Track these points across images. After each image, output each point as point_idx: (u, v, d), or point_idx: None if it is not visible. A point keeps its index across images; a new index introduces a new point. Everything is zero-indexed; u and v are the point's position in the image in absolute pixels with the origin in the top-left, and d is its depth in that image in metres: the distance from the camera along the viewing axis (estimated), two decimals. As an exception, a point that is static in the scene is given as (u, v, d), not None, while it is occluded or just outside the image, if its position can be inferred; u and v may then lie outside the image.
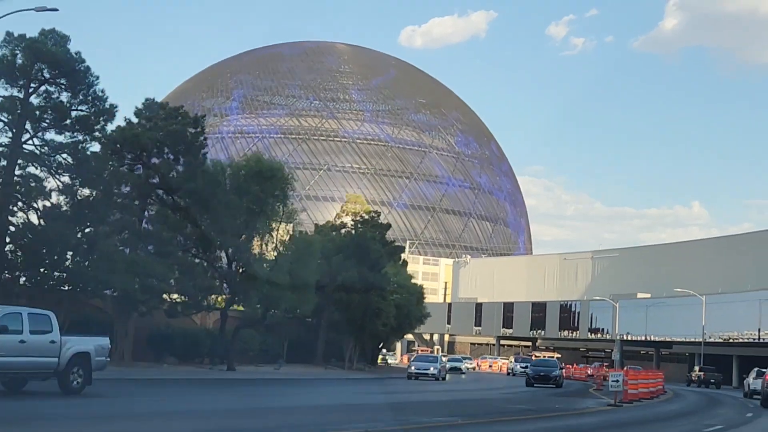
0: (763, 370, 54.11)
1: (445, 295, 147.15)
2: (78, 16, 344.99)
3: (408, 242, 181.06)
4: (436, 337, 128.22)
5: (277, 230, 59.50)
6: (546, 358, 76.45)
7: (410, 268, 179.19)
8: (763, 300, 74.89)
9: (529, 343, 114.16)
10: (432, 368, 52.77)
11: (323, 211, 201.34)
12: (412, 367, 54.53)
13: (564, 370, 63.70)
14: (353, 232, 74.62)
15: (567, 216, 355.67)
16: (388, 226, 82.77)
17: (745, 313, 76.25)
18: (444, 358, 71.17)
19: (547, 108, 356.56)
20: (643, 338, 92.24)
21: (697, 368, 78.22)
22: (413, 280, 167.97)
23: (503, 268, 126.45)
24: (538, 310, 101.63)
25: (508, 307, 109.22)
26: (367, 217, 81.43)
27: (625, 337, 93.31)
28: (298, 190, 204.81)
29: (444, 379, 55.15)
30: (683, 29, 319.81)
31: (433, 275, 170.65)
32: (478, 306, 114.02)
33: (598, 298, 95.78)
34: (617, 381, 40.23)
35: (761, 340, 76.48)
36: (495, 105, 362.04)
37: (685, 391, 64.92)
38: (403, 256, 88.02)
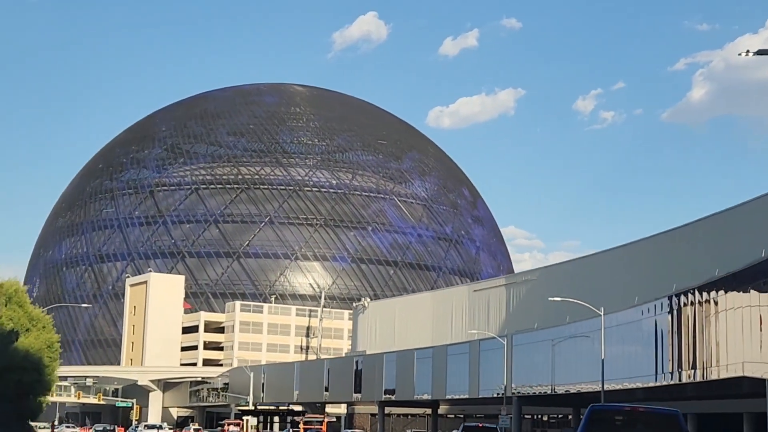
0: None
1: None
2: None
3: (323, 293, 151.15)
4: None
5: None
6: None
7: (332, 325, 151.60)
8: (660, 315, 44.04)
9: (429, 409, 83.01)
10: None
11: (266, 270, 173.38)
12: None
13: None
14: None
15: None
16: None
17: (643, 340, 45.34)
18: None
19: (578, 182, 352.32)
20: (549, 390, 61.01)
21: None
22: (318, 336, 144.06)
23: (406, 309, 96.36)
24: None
25: (393, 361, 78.79)
26: None
27: (520, 391, 62.45)
28: (235, 248, 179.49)
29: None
30: (711, 99, 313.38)
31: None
32: (358, 360, 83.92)
33: (457, 341, 65.30)
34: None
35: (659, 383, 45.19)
36: (525, 181, 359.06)
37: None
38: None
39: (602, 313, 48.50)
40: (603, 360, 48.46)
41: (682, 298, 43.23)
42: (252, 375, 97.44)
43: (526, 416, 71.58)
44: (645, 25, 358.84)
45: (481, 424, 49.95)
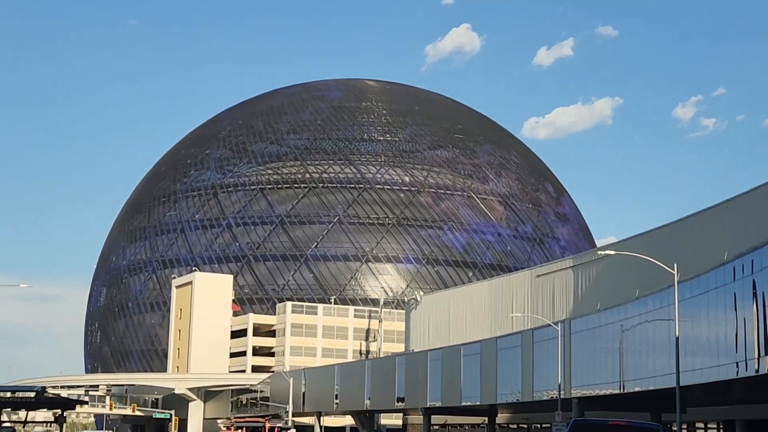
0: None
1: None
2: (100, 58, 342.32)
3: (382, 291, 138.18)
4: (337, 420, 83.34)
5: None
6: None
7: (395, 327, 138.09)
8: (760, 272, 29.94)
9: (485, 419, 69.22)
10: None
11: (335, 273, 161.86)
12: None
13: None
14: None
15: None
16: None
17: (737, 311, 31.27)
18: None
19: (679, 191, 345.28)
20: (617, 389, 46.95)
21: None
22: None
23: (461, 301, 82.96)
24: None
25: (438, 359, 65.44)
26: None
27: (582, 392, 48.54)
28: (302, 250, 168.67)
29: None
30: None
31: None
32: (400, 360, 70.86)
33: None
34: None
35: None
36: (624, 192, 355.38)
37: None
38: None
39: (675, 272, 34.61)
40: (677, 338, 34.47)
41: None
42: (291, 381, 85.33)
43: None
44: (745, 29, 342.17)
45: None
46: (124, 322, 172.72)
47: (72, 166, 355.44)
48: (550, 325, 52.19)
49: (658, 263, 37.46)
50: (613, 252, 42.91)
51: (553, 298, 68.20)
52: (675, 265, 36.34)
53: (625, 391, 46.86)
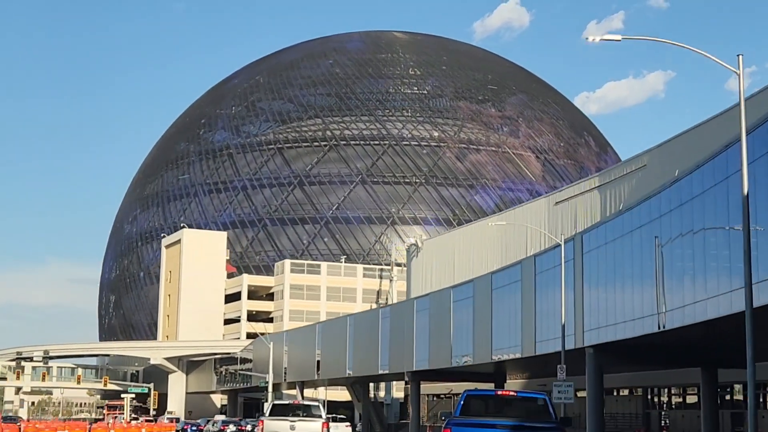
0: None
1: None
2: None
3: (394, 247, 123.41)
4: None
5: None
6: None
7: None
8: None
9: (491, 384, 54.44)
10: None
11: (358, 237, 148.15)
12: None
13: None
14: None
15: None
16: None
17: None
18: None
19: None
20: (654, 327, 31.59)
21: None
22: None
23: (468, 241, 68.25)
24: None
25: (426, 309, 50.39)
26: None
27: (597, 336, 33.59)
28: (322, 212, 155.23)
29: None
30: None
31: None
32: (384, 314, 56.24)
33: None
34: None
35: None
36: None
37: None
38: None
39: (740, 72, 19.49)
40: (747, 206, 18.97)
41: None
42: (272, 346, 71.37)
43: (638, 390, 41.50)
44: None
45: (296, 401, 41.70)
46: (136, 293, 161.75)
47: (96, 128, 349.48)
48: (558, 245, 37.11)
49: (715, 59, 22.28)
50: (619, 37, 26.97)
51: (575, 228, 53.23)
52: (740, 58, 21.17)
53: (664, 328, 31.02)
